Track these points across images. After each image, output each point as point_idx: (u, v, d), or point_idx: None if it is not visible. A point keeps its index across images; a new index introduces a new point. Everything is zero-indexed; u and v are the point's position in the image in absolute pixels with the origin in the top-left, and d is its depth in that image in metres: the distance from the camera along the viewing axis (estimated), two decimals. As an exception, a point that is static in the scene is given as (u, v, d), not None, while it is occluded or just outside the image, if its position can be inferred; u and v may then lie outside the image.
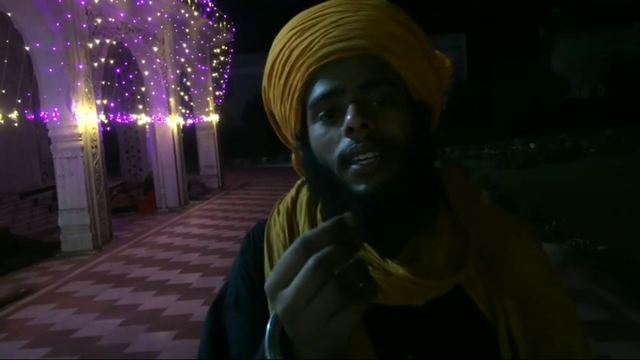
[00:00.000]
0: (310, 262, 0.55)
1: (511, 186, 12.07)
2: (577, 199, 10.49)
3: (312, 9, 0.84)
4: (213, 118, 17.38)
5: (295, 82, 0.81)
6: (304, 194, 0.88)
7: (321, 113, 0.79)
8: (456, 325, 0.79)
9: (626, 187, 11.14)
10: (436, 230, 0.80)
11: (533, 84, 31.41)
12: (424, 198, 0.79)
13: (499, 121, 29.04)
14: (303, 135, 0.84)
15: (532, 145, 21.18)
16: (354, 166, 0.75)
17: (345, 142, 0.75)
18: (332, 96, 0.77)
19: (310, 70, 0.79)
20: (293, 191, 0.91)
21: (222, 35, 18.02)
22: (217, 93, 17.95)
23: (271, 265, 0.84)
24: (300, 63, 0.80)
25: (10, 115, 8.04)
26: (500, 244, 0.83)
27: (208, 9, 16.29)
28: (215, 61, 18.13)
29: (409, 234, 0.79)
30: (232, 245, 8.94)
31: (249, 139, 29.70)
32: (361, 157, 0.74)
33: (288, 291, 0.57)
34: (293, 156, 0.93)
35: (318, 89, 0.78)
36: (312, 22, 0.81)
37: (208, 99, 17.07)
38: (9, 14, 8.28)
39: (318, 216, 0.85)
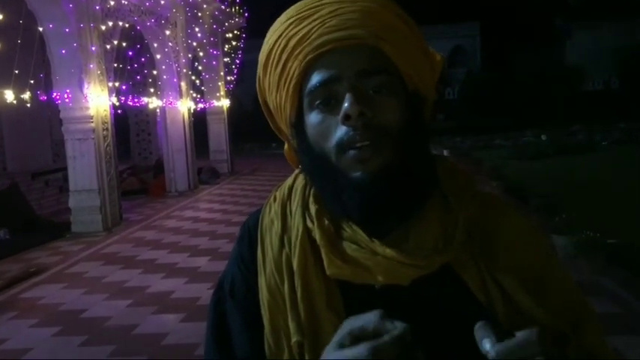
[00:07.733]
0: None
1: (522, 177, 11.99)
2: (588, 192, 10.40)
3: None
4: (224, 103, 17.36)
5: (292, 71, 0.82)
6: (300, 181, 0.90)
7: (318, 101, 0.80)
8: (446, 304, 0.81)
9: (638, 181, 11.03)
10: (427, 215, 0.81)
11: (547, 75, 31.06)
12: (417, 184, 0.80)
13: (511, 112, 28.77)
14: (298, 123, 0.85)
15: (544, 137, 21.01)
16: (351, 152, 0.77)
17: (342, 130, 0.77)
18: (329, 84, 0.79)
19: (307, 58, 0.80)
20: (290, 179, 0.93)
21: (234, 20, 17.94)
22: (229, 78, 17.91)
23: (263, 252, 0.86)
24: (297, 51, 0.81)
25: (22, 96, 8.05)
26: (492, 224, 0.85)
27: (221, -7, 16.22)
28: (227, 46, 18.07)
29: (401, 219, 0.80)
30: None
31: (259, 125, 29.32)
32: (358, 144, 0.76)
33: None
34: (285, 146, 0.95)
35: (315, 77, 0.80)
36: (309, 11, 0.82)
37: (219, 84, 17.04)
38: (23, -6, 8.29)
39: (310, 199, 0.86)
